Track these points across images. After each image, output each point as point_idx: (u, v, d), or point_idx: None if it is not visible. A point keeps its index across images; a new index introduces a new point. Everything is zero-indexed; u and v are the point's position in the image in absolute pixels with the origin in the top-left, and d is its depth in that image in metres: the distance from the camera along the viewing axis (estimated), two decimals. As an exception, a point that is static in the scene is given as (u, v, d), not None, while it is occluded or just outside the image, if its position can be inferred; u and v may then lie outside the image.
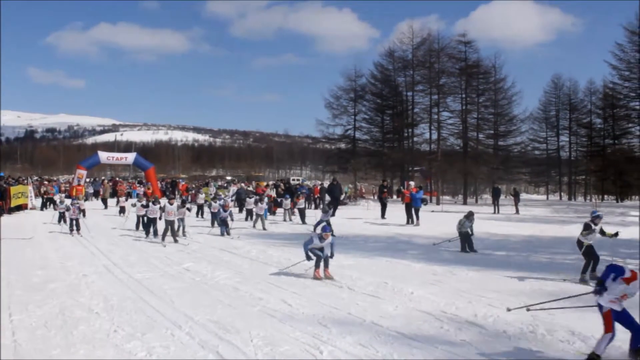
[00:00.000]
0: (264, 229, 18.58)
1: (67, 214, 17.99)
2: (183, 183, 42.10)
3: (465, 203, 38.54)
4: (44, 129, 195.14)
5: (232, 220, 17.33)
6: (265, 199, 21.78)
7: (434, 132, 41.23)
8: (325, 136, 46.19)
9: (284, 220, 22.34)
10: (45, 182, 35.27)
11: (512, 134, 43.16)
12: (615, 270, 5.79)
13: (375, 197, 40.48)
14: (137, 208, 18.13)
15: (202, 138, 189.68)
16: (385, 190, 24.14)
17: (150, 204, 16.83)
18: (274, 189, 29.83)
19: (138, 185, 40.84)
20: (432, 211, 26.88)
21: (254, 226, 19.03)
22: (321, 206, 17.45)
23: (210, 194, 27.27)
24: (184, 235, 16.23)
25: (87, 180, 38.77)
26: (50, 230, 17.90)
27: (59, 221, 19.35)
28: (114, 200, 32.14)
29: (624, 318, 5.69)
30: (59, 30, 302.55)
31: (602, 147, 44.31)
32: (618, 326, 5.72)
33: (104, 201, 29.31)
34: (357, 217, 23.87)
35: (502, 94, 41.86)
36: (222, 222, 17.15)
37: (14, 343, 6.17)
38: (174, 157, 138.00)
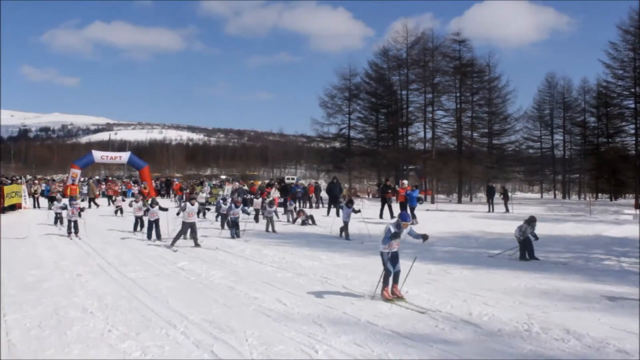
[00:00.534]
0: (274, 231, 17.96)
1: (64, 213, 17.28)
2: (177, 182, 41.99)
3: (459, 202, 38.69)
4: (37, 128, 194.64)
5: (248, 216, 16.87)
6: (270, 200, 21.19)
7: (429, 131, 41.41)
8: (319, 135, 46.32)
9: (288, 221, 21.90)
10: (36, 182, 35.09)
11: (506, 132, 43.29)
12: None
13: (370, 197, 40.58)
14: (134, 209, 17.36)
15: (196, 137, 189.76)
16: (390, 190, 23.85)
17: (149, 206, 15.94)
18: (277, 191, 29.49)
19: (133, 184, 40.73)
20: (427, 210, 26.92)
21: (266, 230, 18.07)
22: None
23: (219, 194, 26.96)
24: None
25: (81, 179, 38.61)
26: (46, 232, 17.23)
27: (55, 222, 18.75)
28: (103, 200, 32.20)
29: None
30: (53, 29, 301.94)
31: (596, 146, 44.53)
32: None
33: (91, 201, 29.00)
34: (352, 216, 23.79)
35: (497, 92, 41.99)
36: (233, 224, 16.54)
37: (8, 343, 6.13)
38: (168, 156, 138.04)
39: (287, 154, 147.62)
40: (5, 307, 7.63)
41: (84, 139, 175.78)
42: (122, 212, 23.09)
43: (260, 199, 21.58)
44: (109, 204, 30.01)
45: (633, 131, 40.92)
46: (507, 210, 27.71)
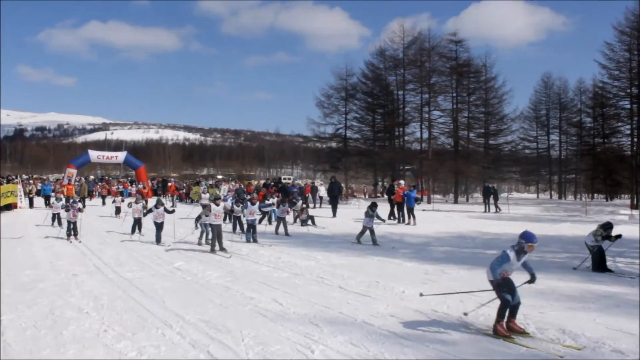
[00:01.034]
0: (287, 234, 16.91)
1: (63, 214, 16.88)
2: (173, 182, 41.93)
3: (456, 202, 38.75)
4: (33, 128, 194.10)
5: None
6: (275, 200, 20.55)
7: (425, 131, 41.40)
8: (316, 135, 46.22)
9: (294, 222, 21.60)
10: (31, 182, 34.98)
11: (502, 132, 43.32)
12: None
13: (367, 197, 40.60)
14: (134, 210, 16.14)
15: (193, 137, 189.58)
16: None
17: (154, 207, 15.24)
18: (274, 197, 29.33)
19: (130, 184, 40.65)
20: (424, 210, 26.95)
21: (276, 232, 17.28)
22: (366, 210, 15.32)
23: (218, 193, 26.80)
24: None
25: (77, 179, 38.52)
26: (44, 234, 16.63)
27: (53, 222, 18.64)
28: (95, 200, 32.10)
29: None
30: (49, 28, 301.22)
31: (592, 146, 44.59)
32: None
33: (82, 200, 28.74)
34: (349, 216, 23.87)
35: (493, 92, 42.03)
36: (248, 227, 15.44)
37: (3, 343, 6.11)
38: (164, 156, 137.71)
39: (284, 154, 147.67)
40: (0, 307, 7.60)
41: (80, 139, 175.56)
42: (119, 212, 22.96)
43: (257, 204, 21.33)
44: (103, 204, 29.96)
45: (629, 132, 40.91)
46: (498, 209, 27.87)
